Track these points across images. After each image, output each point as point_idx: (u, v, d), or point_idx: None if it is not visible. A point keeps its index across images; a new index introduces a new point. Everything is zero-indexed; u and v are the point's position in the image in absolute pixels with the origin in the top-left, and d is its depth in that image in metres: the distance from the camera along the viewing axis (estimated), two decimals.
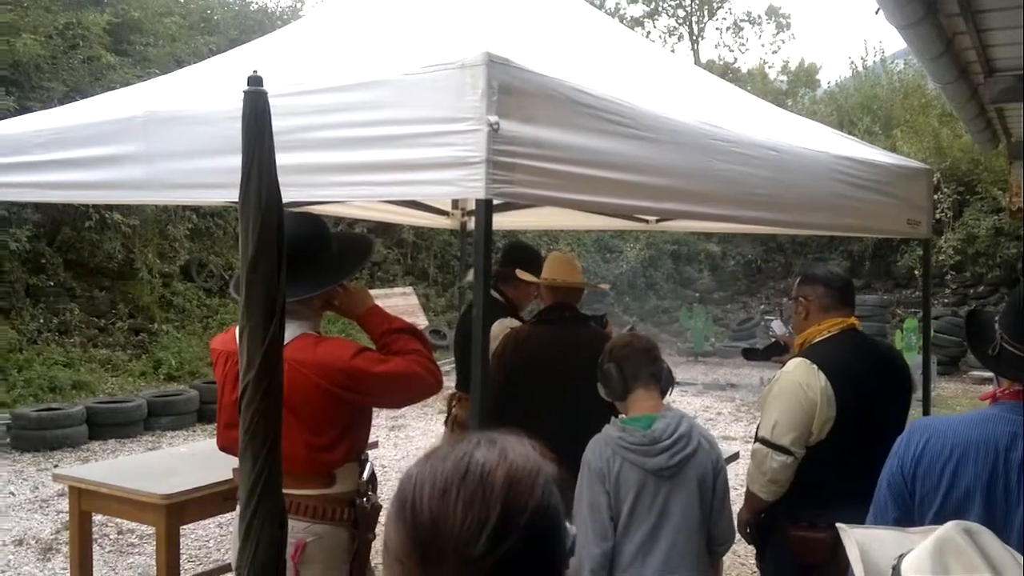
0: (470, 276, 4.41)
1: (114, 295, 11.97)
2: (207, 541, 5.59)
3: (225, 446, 2.60)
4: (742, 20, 35.17)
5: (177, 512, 3.66)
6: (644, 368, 2.63)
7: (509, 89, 2.03)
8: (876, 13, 3.28)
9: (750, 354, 3.51)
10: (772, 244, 18.37)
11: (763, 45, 49.91)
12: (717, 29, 35.37)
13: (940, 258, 15.89)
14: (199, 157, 2.64)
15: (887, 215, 3.78)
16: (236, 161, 2.49)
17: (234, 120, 2.50)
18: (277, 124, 1.96)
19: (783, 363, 3.26)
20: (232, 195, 2.87)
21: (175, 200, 2.98)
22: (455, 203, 5.41)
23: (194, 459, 4.30)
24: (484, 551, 0.88)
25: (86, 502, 3.92)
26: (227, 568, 4.83)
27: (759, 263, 18.84)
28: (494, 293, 4.09)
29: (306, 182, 2.27)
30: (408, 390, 2.44)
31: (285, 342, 2.41)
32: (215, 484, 3.75)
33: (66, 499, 6.44)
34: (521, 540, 0.90)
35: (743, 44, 35.88)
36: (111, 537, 5.66)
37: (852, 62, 40.07)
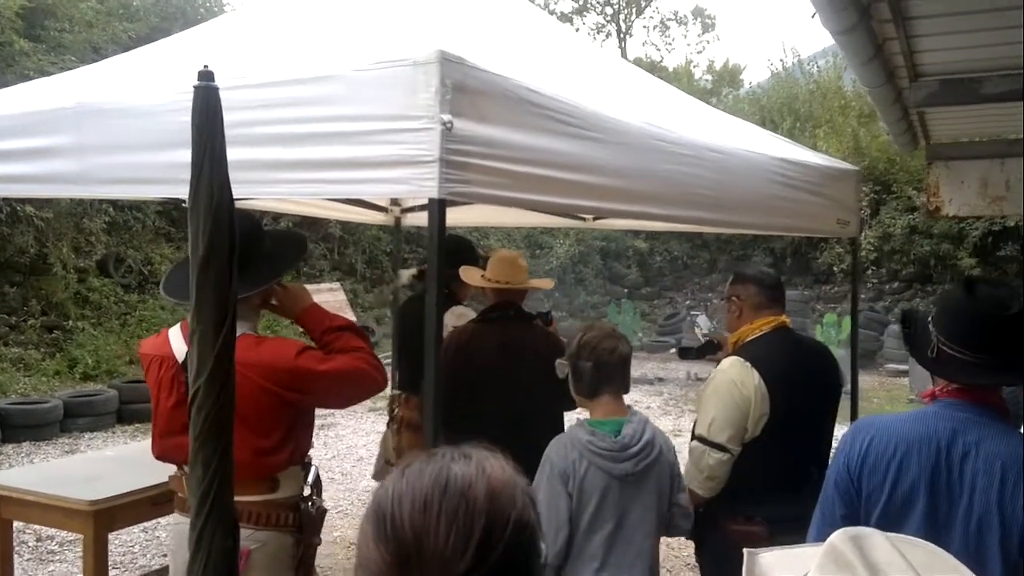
0: (405, 277, 4.37)
1: (26, 291, 11.47)
2: (132, 547, 5.41)
3: (163, 454, 2.52)
4: (669, 19, 35.80)
5: (105, 519, 3.52)
6: (618, 375, 2.62)
7: (463, 88, 2.00)
8: (812, 17, 3.35)
9: (685, 353, 3.56)
10: (698, 241, 18.73)
11: (689, 44, 50.71)
12: (644, 27, 35.88)
13: (859, 255, 16.42)
14: (135, 151, 2.54)
15: (819, 215, 3.87)
16: (176, 156, 2.45)
17: (174, 113, 2.46)
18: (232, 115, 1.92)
19: (717, 361, 3.32)
20: (171, 191, 2.81)
21: (108, 195, 2.87)
22: (393, 200, 5.35)
23: (120, 463, 4.16)
24: (470, 566, 0.87)
25: (6, 509, 3.74)
26: (155, 575, 4.69)
27: (685, 259, 19.20)
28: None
29: (250, 178, 2.19)
30: (354, 387, 2.39)
31: None
32: (144, 489, 3.63)
33: None
34: (505, 553, 0.90)
35: (670, 43, 36.42)
36: (30, 544, 5.43)
37: (771, 63, 41.17)
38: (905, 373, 12.00)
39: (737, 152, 3.24)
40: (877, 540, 1.06)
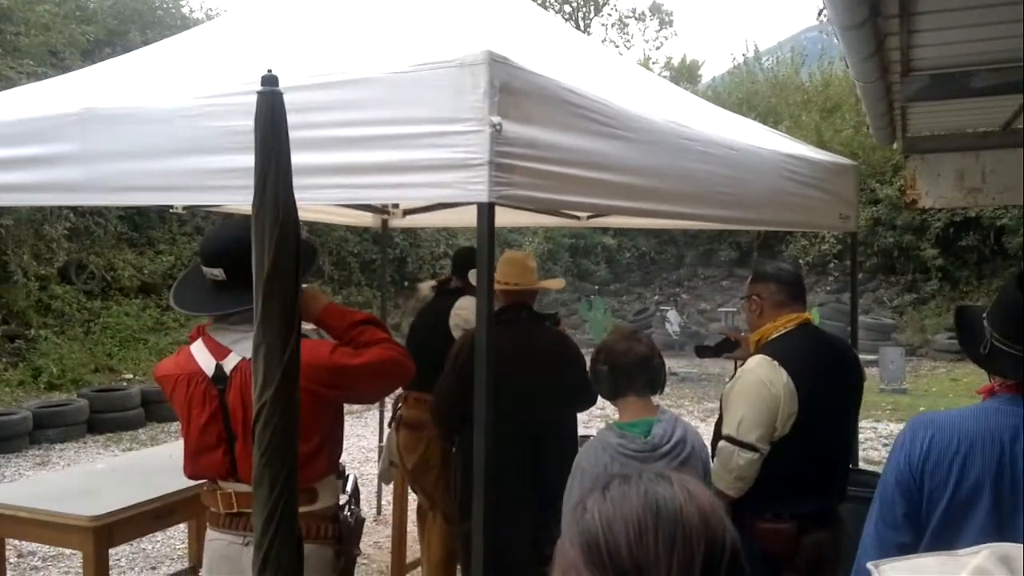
0: (425, 289, 4.33)
1: None
2: (119, 560, 5.25)
3: (196, 473, 2.44)
4: (627, 16, 35.89)
5: (105, 535, 3.40)
6: (640, 377, 2.58)
7: (509, 89, 1.95)
8: (819, 15, 3.35)
9: (702, 351, 3.54)
10: (665, 236, 18.85)
11: (647, 41, 51.07)
12: (603, 25, 35.90)
13: (823, 247, 16.67)
14: (147, 158, 2.44)
15: (822, 210, 3.89)
16: (193, 163, 2.37)
17: (189, 119, 2.37)
18: (248, 122, 1.84)
19: (734, 359, 3.32)
20: (184, 198, 2.72)
21: (116, 203, 2.76)
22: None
23: (115, 476, 4.03)
24: None
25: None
26: None
27: (652, 255, 19.31)
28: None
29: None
30: (388, 377, 2.37)
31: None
32: (145, 503, 3.53)
33: None
34: None
35: (628, 40, 36.55)
36: (11, 561, 5.24)
37: (733, 57, 41.57)
38: (874, 363, 12.18)
39: (750, 148, 3.24)
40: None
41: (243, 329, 2.33)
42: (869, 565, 1.20)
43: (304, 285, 2.55)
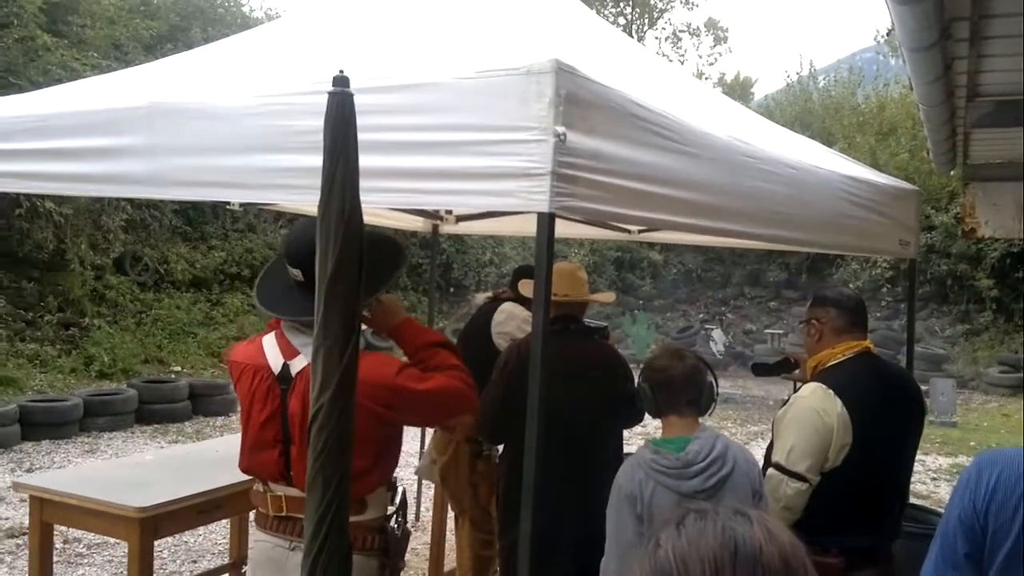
0: (480, 299, 4.36)
1: (43, 287, 11.42)
2: (161, 552, 5.32)
3: (250, 468, 2.45)
4: (681, 31, 35.75)
5: (151, 526, 3.44)
6: (681, 395, 2.54)
7: (574, 99, 1.94)
8: (888, 35, 3.30)
9: (760, 369, 3.48)
10: (711, 254, 18.69)
11: (700, 56, 50.67)
12: (656, 39, 35.79)
13: (875, 272, 16.37)
14: (212, 154, 2.47)
15: (882, 235, 3.81)
16: (257, 161, 2.39)
17: (255, 117, 2.40)
18: (314, 122, 1.85)
19: (792, 380, 3.25)
20: (246, 196, 2.76)
21: (180, 197, 2.80)
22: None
23: (163, 468, 4.07)
24: None
25: (48, 513, 3.66)
26: None
27: (699, 272, 19.15)
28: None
29: None
30: (449, 407, 2.35)
31: None
32: (191, 496, 3.56)
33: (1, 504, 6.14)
34: None
35: (682, 55, 36.34)
36: (57, 547, 5.33)
37: (787, 74, 41.05)
38: (924, 394, 11.91)
39: (809, 168, 3.18)
40: None
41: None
42: None
43: (385, 295, 2.55)
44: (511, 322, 3.96)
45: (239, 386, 2.41)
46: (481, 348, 3.85)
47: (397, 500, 2.45)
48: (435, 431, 4.25)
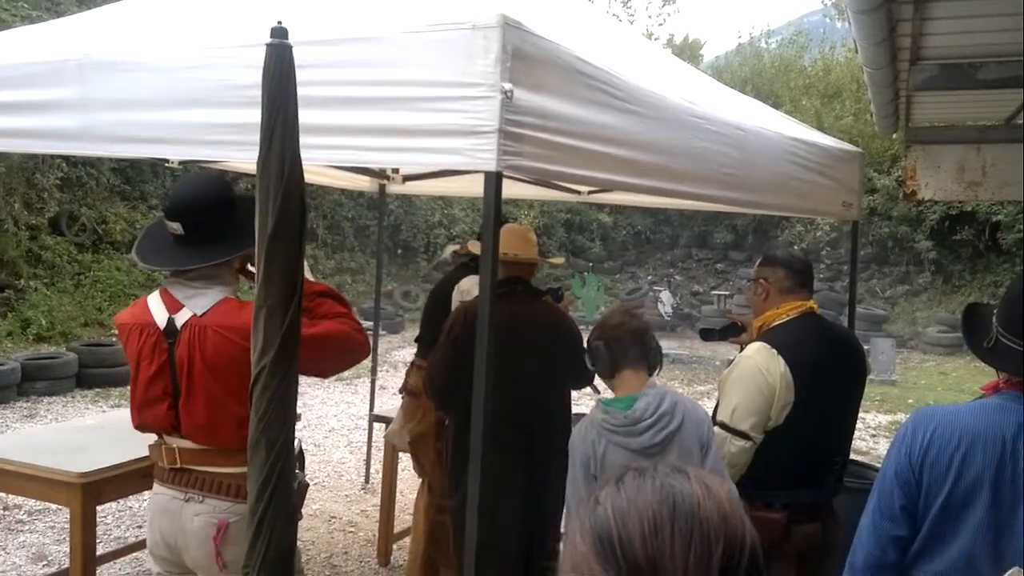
0: (447, 252, 4.30)
1: None
2: (105, 518, 5.24)
3: (143, 424, 2.45)
4: None
5: (94, 491, 3.37)
6: (633, 350, 2.57)
7: (521, 55, 1.90)
8: None
9: (707, 335, 3.51)
10: (660, 216, 18.83)
11: (650, 17, 50.46)
12: None
13: (817, 234, 16.67)
14: (146, 109, 2.38)
15: (826, 196, 3.85)
16: (191, 116, 2.31)
17: (192, 71, 2.31)
18: (253, 76, 1.79)
19: (739, 344, 3.29)
20: (183, 152, 2.68)
21: (113, 154, 2.70)
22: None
23: (104, 433, 3.99)
24: None
25: None
26: (132, 547, 4.56)
27: (648, 234, 19.28)
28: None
29: None
30: (339, 352, 2.35)
31: (206, 308, 2.32)
32: (133, 461, 3.48)
33: None
34: None
35: (631, 15, 36.21)
36: None
37: (739, 35, 41.12)
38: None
39: (755, 130, 3.18)
40: None
41: (198, 286, 2.35)
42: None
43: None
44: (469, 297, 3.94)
45: (128, 347, 2.41)
46: (445, 313, 3.82)
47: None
48: (403, 397, 4.22)
